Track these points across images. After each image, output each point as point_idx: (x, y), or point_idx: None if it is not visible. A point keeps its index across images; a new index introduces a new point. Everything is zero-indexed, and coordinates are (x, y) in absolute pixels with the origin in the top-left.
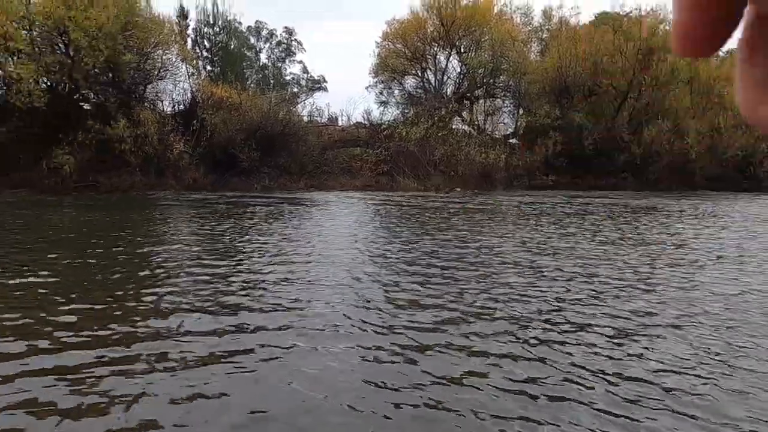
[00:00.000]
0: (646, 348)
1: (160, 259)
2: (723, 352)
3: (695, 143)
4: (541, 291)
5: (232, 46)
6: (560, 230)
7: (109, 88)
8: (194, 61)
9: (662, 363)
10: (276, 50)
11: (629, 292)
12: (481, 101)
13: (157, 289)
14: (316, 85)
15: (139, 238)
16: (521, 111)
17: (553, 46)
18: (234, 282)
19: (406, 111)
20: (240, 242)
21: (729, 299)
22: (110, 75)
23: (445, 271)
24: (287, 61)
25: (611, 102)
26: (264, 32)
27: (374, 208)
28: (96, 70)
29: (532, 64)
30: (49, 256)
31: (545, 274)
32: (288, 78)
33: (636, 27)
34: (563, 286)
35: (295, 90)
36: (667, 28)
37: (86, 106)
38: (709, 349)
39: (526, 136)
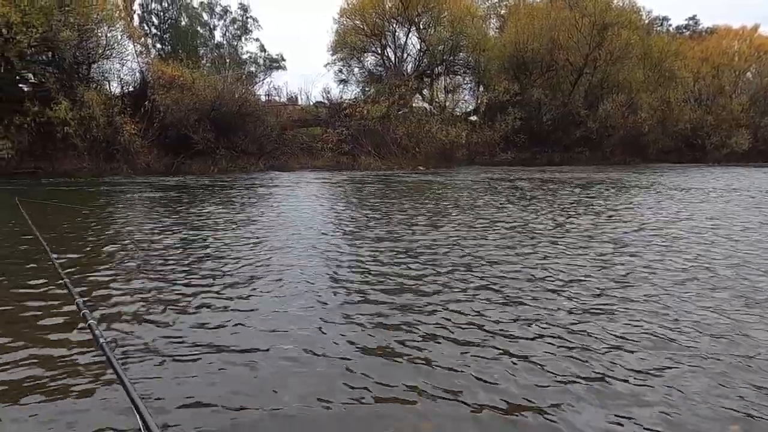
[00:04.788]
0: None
1: (115, 249)
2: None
3: (648, 117)
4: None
5: (183, 23)
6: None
7: (49, 68)
8: (142, 39)
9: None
10: (231, 28)
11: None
12: (442, 78)
13: (122, 286)
14: (274, 63)
15: (91, 231)
16: (481, 88)
17: (511, 21)
18: (201, 274)
19: (366, 89)
20: (201, 229)
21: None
22: (50, 54)
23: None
24: (243, 39)
25: (567, 77)
26: (218, 9)
27: (340, 187)
28: (32, 48)
29: (491, 41)
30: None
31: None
32: (245, 57)
33: (591, 2)
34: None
35: (252, 69)
36: (622, 3)
37: (25, 88)
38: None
39: (487, 113)
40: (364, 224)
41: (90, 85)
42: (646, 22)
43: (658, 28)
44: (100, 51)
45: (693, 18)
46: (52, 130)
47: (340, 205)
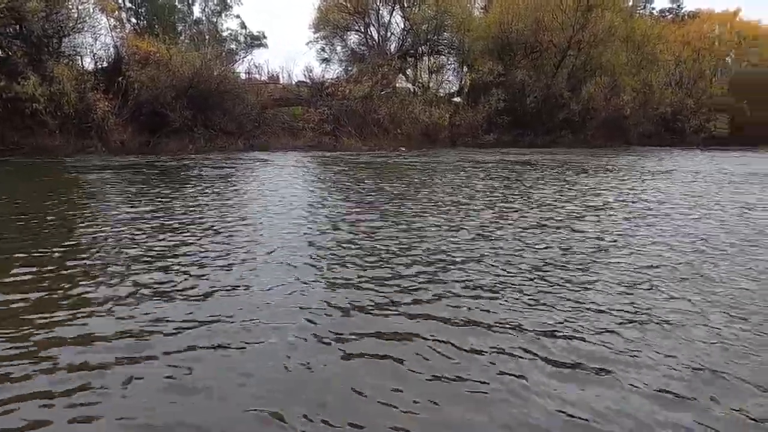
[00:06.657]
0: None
1: (83, 233)
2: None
3: (630, 100)
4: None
5: None
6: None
7: (16, 41)
8: (116, 12)
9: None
10: (210, 3)
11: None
12: (425, 58)
13: (85, 262)
14: (256, 41)
15: (57, 211)
16: (465, 69)
17: (497, 1)
18: (170, 255)
19: (349, 68)
20: (174, 210)
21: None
22: (17, 26)
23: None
24: (223, 15)
25: (551, 59)
26: None
27: (320, 168)
28: None
29: (476, 21)
30: None
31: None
32: (225, 34)
33: None
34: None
35: (233, 47)
36: None
37: None
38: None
39: (470, 94)
40: (325, 204)
41: (60, 60)
42: (630, 4)
43: (641, 11)
44: (71, 24)
45: (677, 1)
46: (20, 106)
47: (317, 186)
